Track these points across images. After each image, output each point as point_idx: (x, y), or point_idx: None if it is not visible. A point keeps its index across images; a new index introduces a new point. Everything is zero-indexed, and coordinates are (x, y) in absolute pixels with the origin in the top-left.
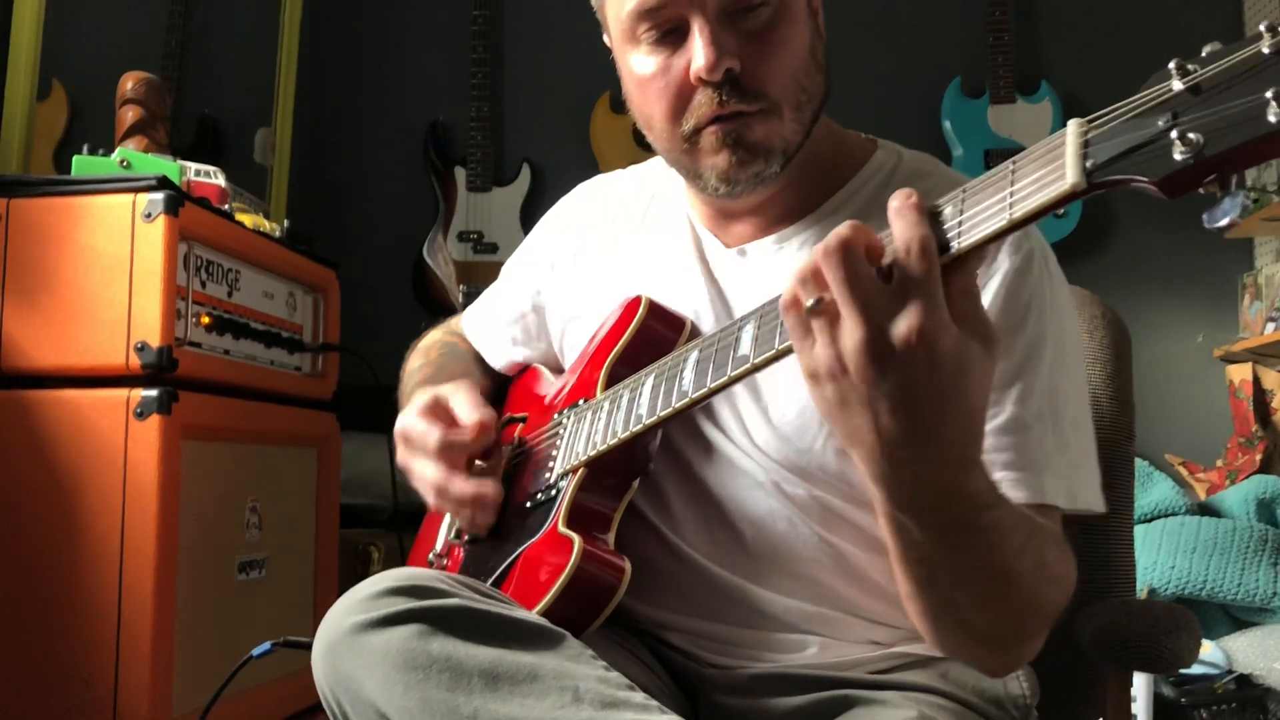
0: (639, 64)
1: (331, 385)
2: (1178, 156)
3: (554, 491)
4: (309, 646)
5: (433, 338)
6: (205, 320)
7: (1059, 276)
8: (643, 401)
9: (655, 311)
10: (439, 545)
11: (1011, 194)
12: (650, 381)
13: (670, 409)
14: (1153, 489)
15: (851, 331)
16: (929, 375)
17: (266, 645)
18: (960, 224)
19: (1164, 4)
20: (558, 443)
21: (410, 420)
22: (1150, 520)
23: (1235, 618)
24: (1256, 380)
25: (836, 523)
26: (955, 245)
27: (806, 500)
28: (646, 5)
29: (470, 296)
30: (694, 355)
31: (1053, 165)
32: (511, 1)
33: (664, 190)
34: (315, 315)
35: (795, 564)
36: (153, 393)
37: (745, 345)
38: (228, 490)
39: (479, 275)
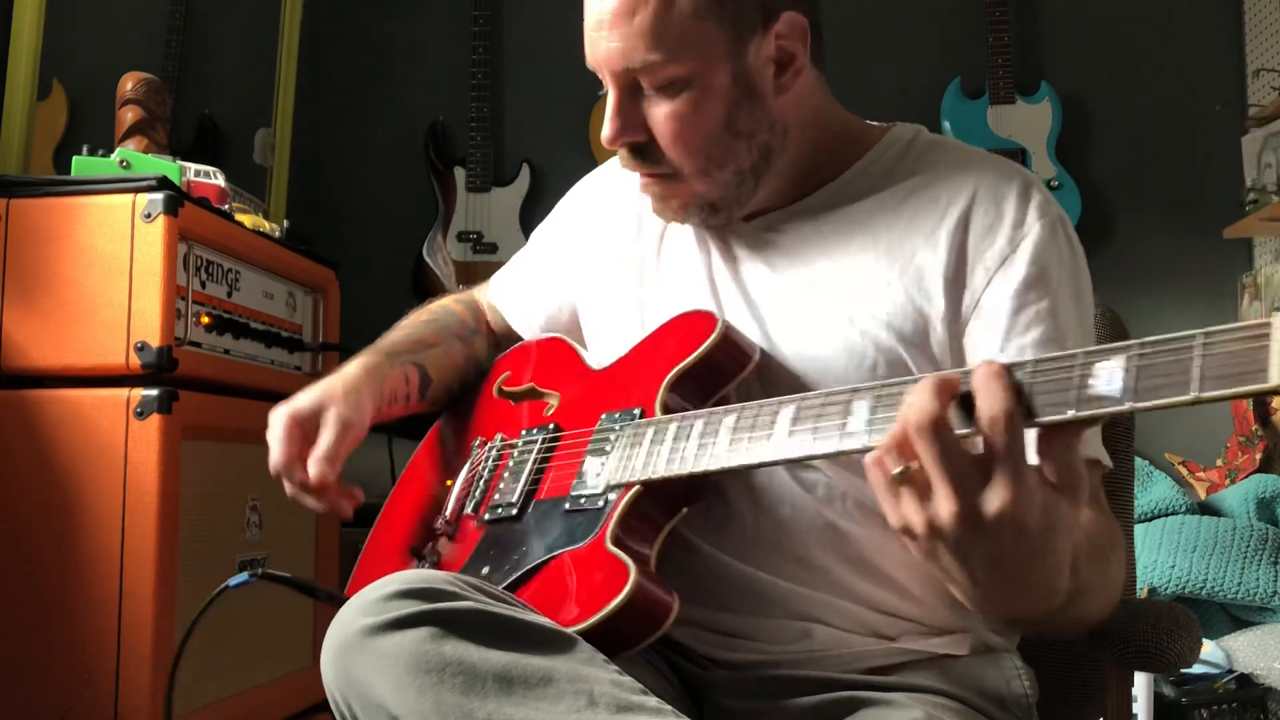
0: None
1: None
2: None
3: (601, 501)
4: (288, 581)
5: (438, 302)
6: (205, 320)
7: (1079, 245)
8: (720, 441)
9: (728, 337)
10: (448, 511)
11: (1139, 379)
12: (729, 422)
13: (758, 460)
14: (1153, 488)
15: (944, 505)
16: (1017, 544)
17: (244, 576)
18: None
19: (1164, 4)
20: (607, 448)
21: (276, 420)
22: (1150, 519)
23: (1235, 617)
24: None
25: (843, 504)
26: (1043, 416)
27: (812, 481)
28: (588, 61)
29: None
30: (789, 411)
31: (1250, 354)
32: (511, 1)
33: None
34: (315, 315)
35: (800, 548)
36: (153, 392)
37: (858, 421)
38: (228, 490)
39: (479, 275)
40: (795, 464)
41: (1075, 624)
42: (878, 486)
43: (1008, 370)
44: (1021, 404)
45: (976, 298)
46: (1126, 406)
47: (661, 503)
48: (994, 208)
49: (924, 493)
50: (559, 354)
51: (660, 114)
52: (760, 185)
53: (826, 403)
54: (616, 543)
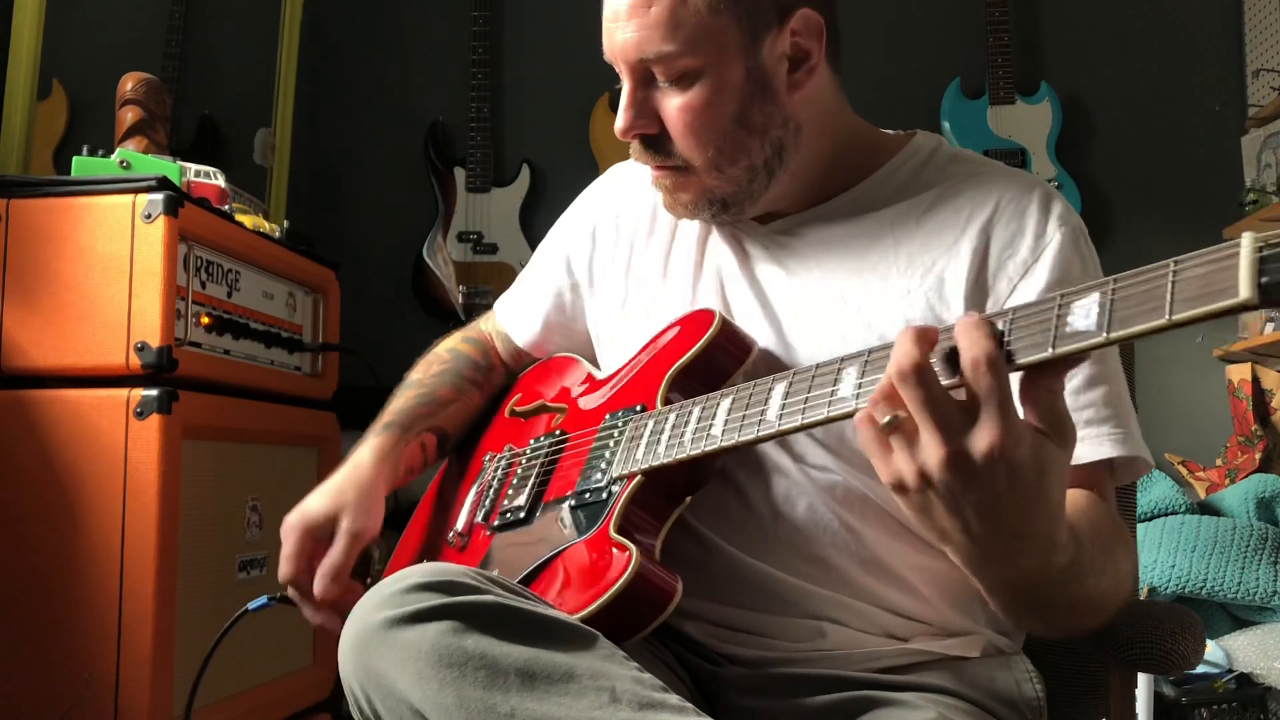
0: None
1: (331, 385)
2: None
3: (605, 495)
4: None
5: (446, 344)
6: (205, 320)
7: (1095, 252)
8: (716, 423)
9: (726, 331)
10: (460, 524)
11: (1112, 310)
12: (726, 404)
13: (752, 436)
14: (1153, 488)
15: (932, 450)
16: (1009, 484)
17: (263, 599)
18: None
19: (1164, 4)
20: (611, 444)
21: (288, 532)
22: (1150, 519)
23: (1235, 617)
24: (1256, 380)
25: (858, 505)
26: (1021, 358)
27: (829, 482)
28: (605, 53)
29: (470, 297)
30: (781, 386)
31: (1220, 273)
32: (511, 1)
33: None
34: (315, 315)
35: (815, 548)
36: (153, 392)
37: (847, 387)
38: (228, 490)
39: (479, 275)
40: (789, 436)
41: (1078, 609)
42: (868, 444)
43: (987, 319)
44: (1003, 349)
45: (1001, 304)
46: (1103, 338)
47: (664, 491)
48: (1016, 220)
49: (912, 441)
50: (568, 369)
51: (673, 106)
52: (773, 183)
53: (817, 374)
54: (621, 531)
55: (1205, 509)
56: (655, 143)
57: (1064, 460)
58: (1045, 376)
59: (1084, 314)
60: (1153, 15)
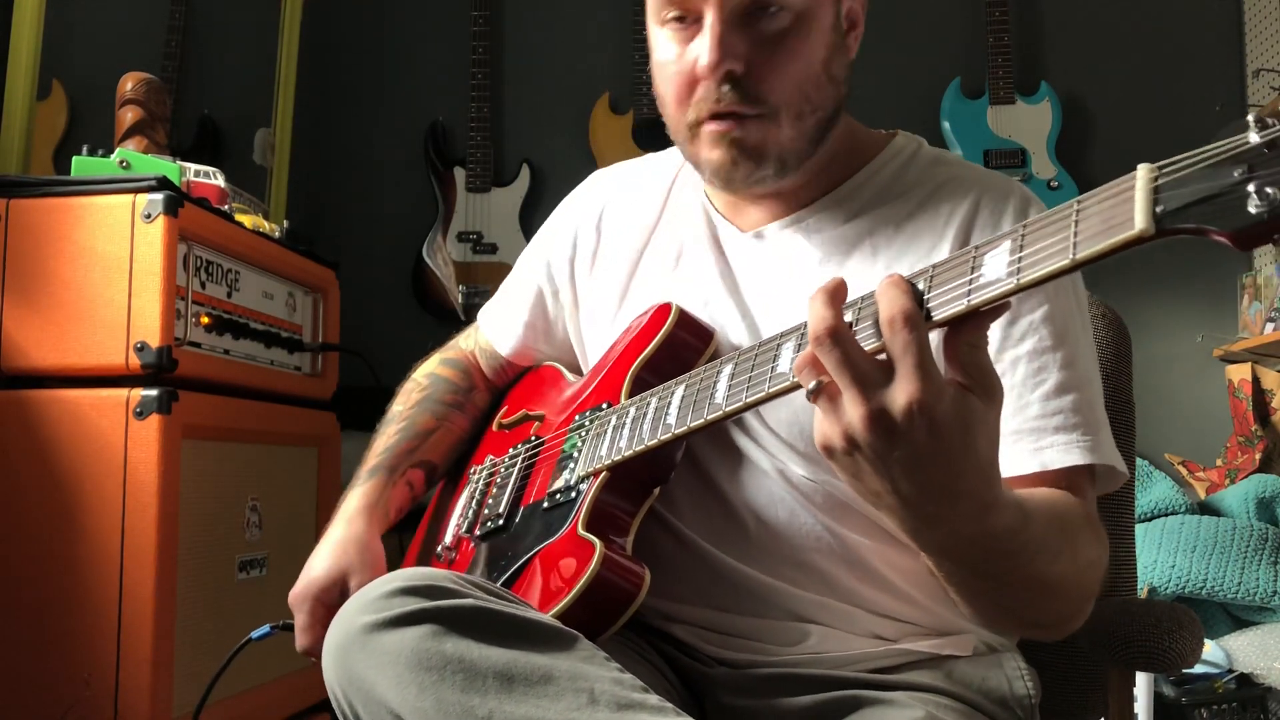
0: (659, 45)
1: (331, 385)
2: (1252, 210)
3: (574, 493)
4: None
5: (424, 369)
6: (205, 320)
7: None
8: (671, 411)
9: (683, 321)
10: (448, 538)
11: (1020, 255)
12: (680, 391)
13: (702, 420)
14: (1153, 488)
15: (853, 410)
16: (932, 441)
17: (266, 628)
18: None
19: (1164, 4)
20: (579, 444)
21: (299, 604)
22: (1150, 519)
23: (1235, 617)
24: (1256, 380)
25: (841, 510)
26: (938, 314)
27: (811, 487)
28: None
29: (469, 297)
30: (728, 368)
31: (1118, 207)
32: (511, 1)
33: (681, 179)
34: (315, 315)
35: (798, 552)
36: (153, 392)
37: (784, 362)
38: (228, 490)
39: (478, 275)
40: (772, 444)
41: (1031, 589)
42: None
43: (907, 279)
44: (922, 308)
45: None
46: (1012, 284)
47: (630, 484)
48: (992, 226)
49: (835, 403)
50: (550, 379)
51: (770, 41)
52: (819, 151)
53: (759, 352)
54: (589, 528)
55: (1205, 509)
56: (739, 84)
57: (991, 415)
58: (965, 331)
59: (995, 263)
60: (1153, 15)
